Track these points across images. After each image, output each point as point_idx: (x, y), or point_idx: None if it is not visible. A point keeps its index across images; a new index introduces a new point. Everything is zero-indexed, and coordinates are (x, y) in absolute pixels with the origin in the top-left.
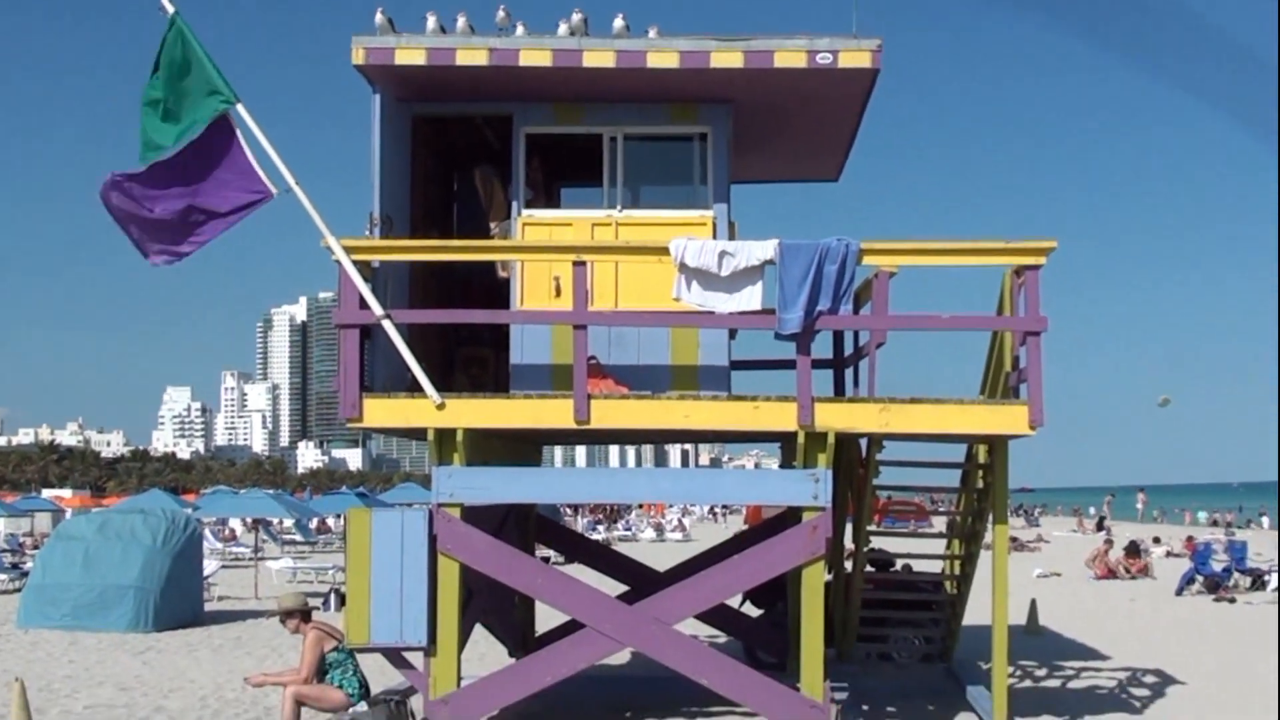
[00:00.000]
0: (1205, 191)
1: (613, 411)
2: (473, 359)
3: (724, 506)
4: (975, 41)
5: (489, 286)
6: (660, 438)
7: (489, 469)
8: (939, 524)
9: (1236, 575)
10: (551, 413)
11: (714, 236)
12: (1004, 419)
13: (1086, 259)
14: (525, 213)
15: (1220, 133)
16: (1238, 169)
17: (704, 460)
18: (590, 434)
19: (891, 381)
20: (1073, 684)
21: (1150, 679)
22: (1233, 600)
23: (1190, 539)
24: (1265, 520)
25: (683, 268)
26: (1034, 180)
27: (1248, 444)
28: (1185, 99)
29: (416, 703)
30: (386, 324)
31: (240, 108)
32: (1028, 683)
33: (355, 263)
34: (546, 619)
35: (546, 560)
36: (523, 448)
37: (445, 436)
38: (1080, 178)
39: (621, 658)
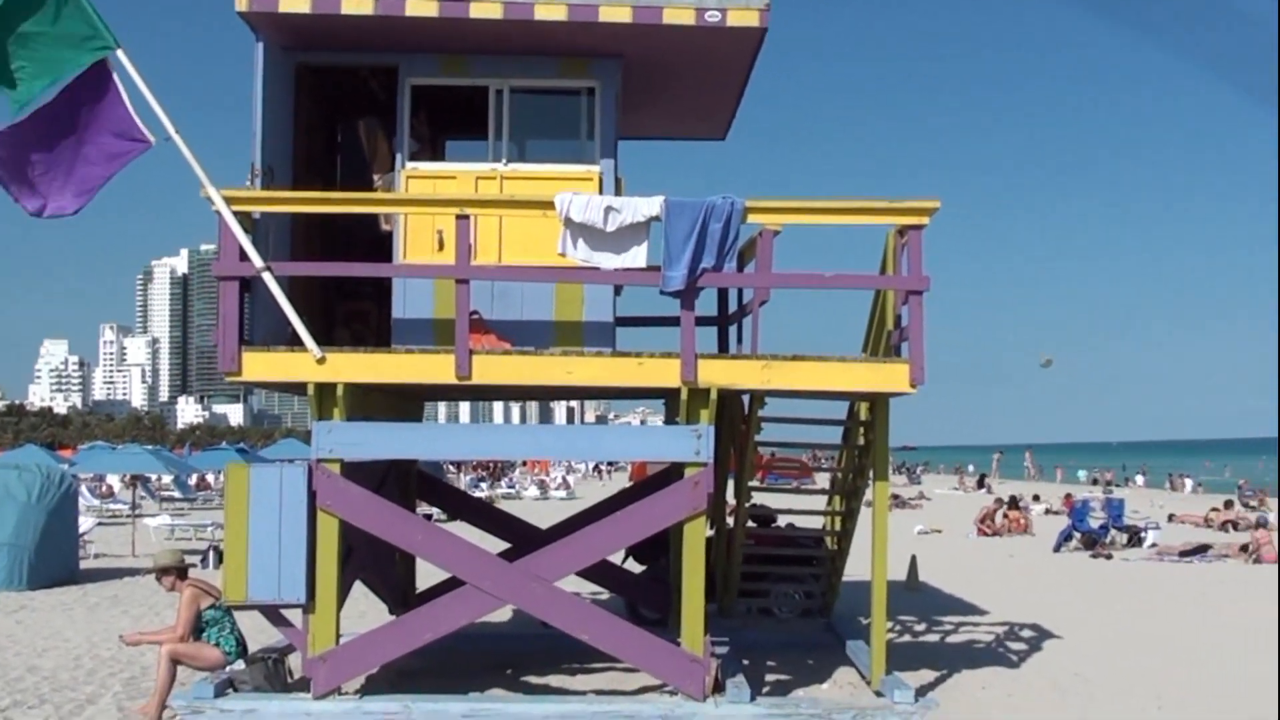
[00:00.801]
0: (1091, 157)
1: (495, 367)
2: (354, 313)
3: (609, 463)
4: (869, 4)
5: (372, 240)
6: (544, 394)
7: (369, 424)
8: (822, 481)
9: (1113, 532)
10: (433, 368)
11: (600, 192)
12: (885, 377)
13: (973, 220)
14: (409, 165)
15: (1107, 100)
16: (1124, 137)
17: (590, 417)
18: (473, 390)
19: (775, 339)
20: (951, 638)
21: (1027, 633)
22: (1109, 557)
23: (1069, 496)
24: (1140, 478)
25: (568, 223)
26: (921, 143)
27: (1126, 404)
28: (1075, 68)
29: (295, 660)
30: (267, 276)
31: (120, 53)
32: (907, 637)
33: (236, 214)
34: (427, 576)
35: (429, 517)
36: (405, 404)
37: (325, 391)
38: (968, 142)
39: (503, 614)
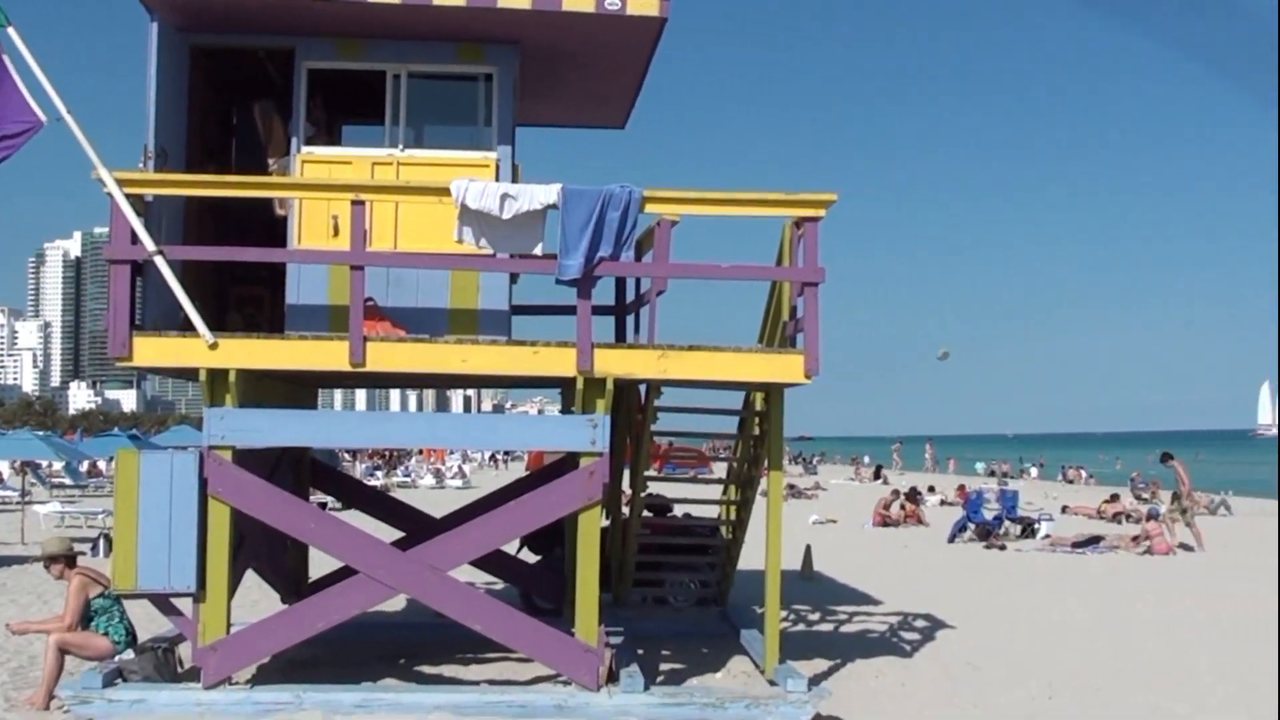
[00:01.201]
0: (988, 150)
1: (389, 354)
2: (248, 298)
3: (505, 453)
4: None
5: (266, 224)
6: (440, 382)
7: (261, 411)
8: (720, 471)
9: (1007, 523)
10: (327, 354)
11: (497, 179)
12: (780, 367)
13: (874, 212)
14: (305, 150)
15: (1002, 95)
16: (1023, 129)
17: (487, 406)
18: (368, 377)
19: (673, 329)
20: (845, 628)
21: (921, 623)
22: (1003, 548)
23: (963, 488)
24: (1034, 470)
25: (464, 210)
26: (819, 136)
27: (1023, 397)
28: (975, 57)
29: (185, 650)
30: (159, 260)
31: (11, 31)
32: (801, 627)
33: (128, 196)
34: (320, 565)
35: (323, 506)
36: (299, 391)
37: (217, 377)
38: (865, 134)
39: (397, 604)
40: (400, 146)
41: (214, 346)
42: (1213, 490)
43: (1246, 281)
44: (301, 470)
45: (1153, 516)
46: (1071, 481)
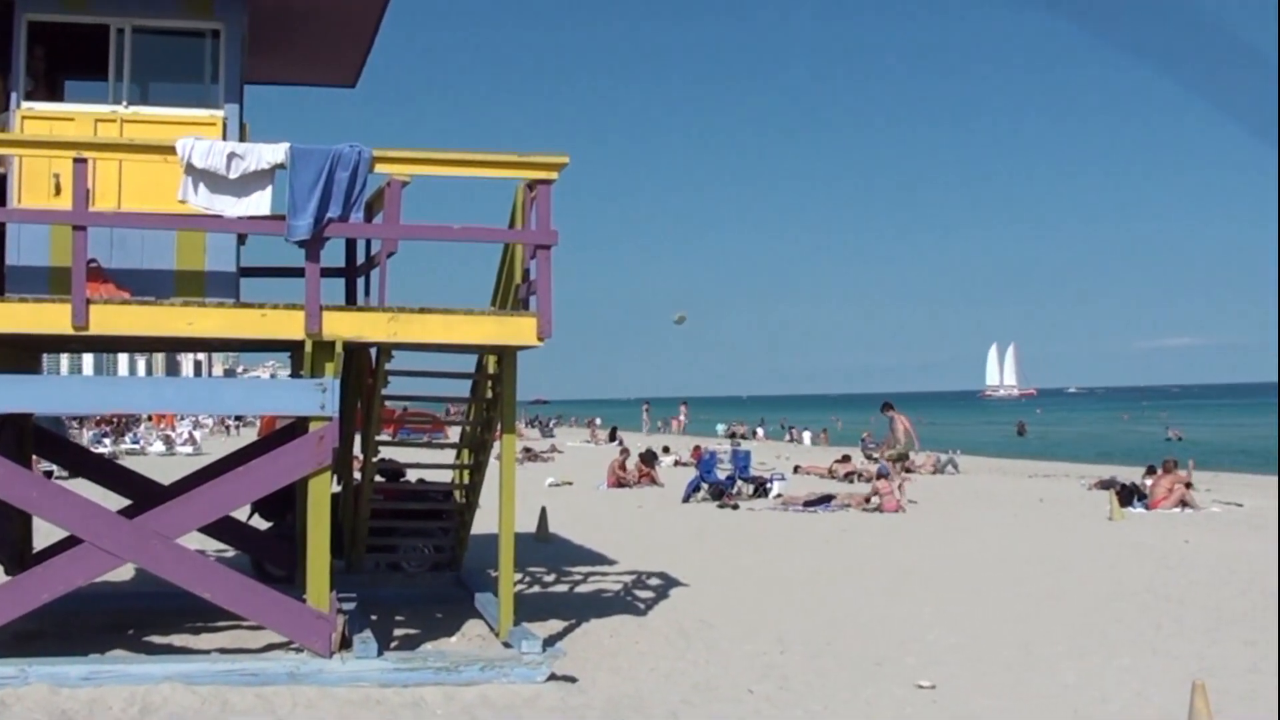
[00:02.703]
0: (723, 114)
1: (113, 317)
2: None
3: (237, 418)
4: None
5: None
6: (167, 346)
7: None
8: (456, 435)
9: (740, 483)
10: (48, 317)
11: (224, 138)
12: (512, 330)
13: (611, 175)
14: (25, 105)
15: (731, 48)
16: (749, 89)
17: (218, 371)
18: (93, 341)
19: (405, 292)
20: (580, 588)
21: (655, 581)
22: (735, 507)
23: (697, 448)
24: (760, 430)
25: (190, 169)
26: (553, 98)
27: (756, 360)
28: (702, 25)
29: None
30: None
31: None
32: (536, 588)
33: None
34: (45, 535)
35: (48, 474)
36: (21, 355)
37: None
38: (607, 98)
39: (125, 573)
40: (124, 103)
41: None
42: (940, 450)
43: (977, 245)
44: (24, 438)
45: (882, 475)
46: (796, 440)
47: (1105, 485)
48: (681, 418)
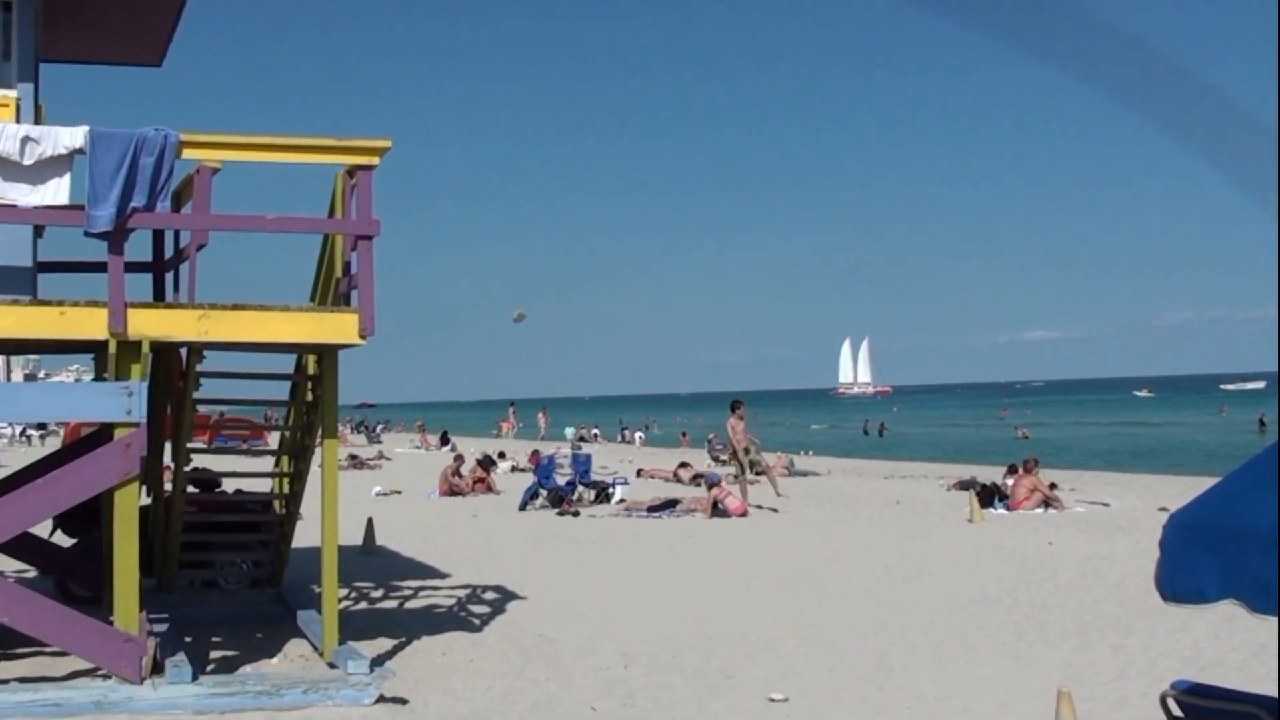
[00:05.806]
0: (562, 100)
1: None
2: None
3: (39, 426)
4: None
5: None
6: None
7: None
8: (275, 442)
9: (580, 488)
10: None
11: (18, 120)
12: (332, 327)
13: (437, 163)
14: None
15: (564, 32)
16: (590, 80)
17: (18, 376)
18: None
19: (219, 288)
20: (410, 604)
21: (490, 595)
22: (576, 514)
23: (535, 452)
24: (596, 432)
25: None
26: (377, 87)
27: (601, 359)
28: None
29: None
30: None
31: None
32: (363, 605)
33: None
34: None
35: None
36: None
37: None
38: (432, 82)
39: None
40: None
41: None
42: (790, 450)
43: (835, 242)
44: None
45: (713, 485)
46: (628, 441)
47: (965, 486)
48: (511, 420)
